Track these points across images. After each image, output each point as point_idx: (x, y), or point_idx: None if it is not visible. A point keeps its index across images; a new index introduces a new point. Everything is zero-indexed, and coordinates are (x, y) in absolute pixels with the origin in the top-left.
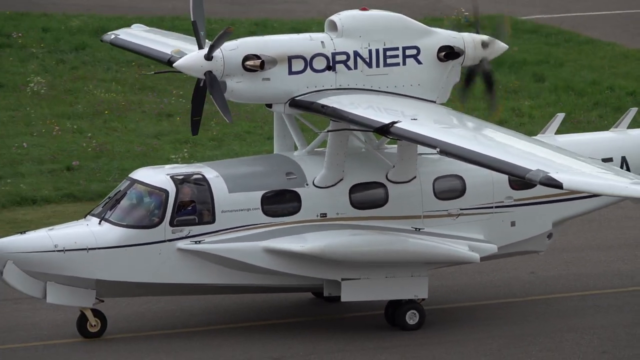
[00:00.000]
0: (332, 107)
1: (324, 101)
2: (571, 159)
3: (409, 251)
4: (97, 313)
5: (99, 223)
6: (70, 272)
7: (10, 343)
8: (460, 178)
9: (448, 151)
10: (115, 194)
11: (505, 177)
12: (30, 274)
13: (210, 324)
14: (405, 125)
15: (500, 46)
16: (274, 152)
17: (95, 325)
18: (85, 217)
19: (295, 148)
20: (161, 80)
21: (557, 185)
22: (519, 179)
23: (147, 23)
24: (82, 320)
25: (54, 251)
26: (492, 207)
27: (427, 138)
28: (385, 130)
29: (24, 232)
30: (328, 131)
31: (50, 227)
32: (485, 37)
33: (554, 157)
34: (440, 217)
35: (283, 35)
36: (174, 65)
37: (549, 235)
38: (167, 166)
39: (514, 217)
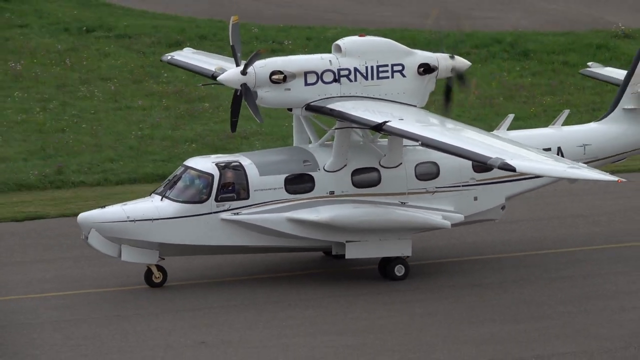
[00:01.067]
0: (338, 110)
1: (332, 106)
2: (520, 148)
3: (396, 220)
4: (159, 268)
5: (161, 199)
6: (139, 237)
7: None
8: (436, 164)
9: (428, 143)
10: (173, 177)
11: (470, 162)
12: (108, 238)
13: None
14: (394, 124)
15: (462, 62)
16: (294, 145)
17: (158, 277)
18: (150, 195)
19: (310, 142)
20: None
21: (511, 169)
22: (482, 164)
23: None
24: (149, 273)
25: (126, 221)
26: (459, 186)
27: (412, 134)
28: (379, 128)
29: (104, 206)
30: (336, 129)
31: (124, 203)
32: (450, 55)
33: (508, 147)
34: (421, 193)
35: (300, 55)
36: (217, 79)
37: (503, 207)
38: (213, 155)
39: (476, 194)
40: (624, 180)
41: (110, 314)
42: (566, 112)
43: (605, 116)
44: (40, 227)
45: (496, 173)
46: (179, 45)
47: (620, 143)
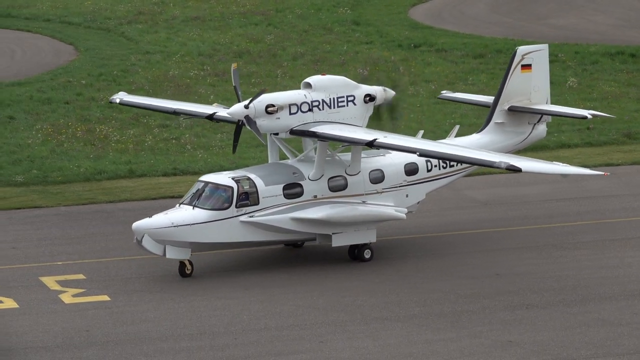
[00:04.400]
0: (326, 133)
1: (314, 129)
2: (495, 153)
3: (370, 214)
4: (190, 262)
5: (193, 209)
6: (180, 239)
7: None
8: (381, 170)
9: (426, 154)
10: (197, 191)
11: (403, 168)
12: (157, 241)
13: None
14: (383, 140)
15: (390, 93)
16: (269, 162)
17: (189, 269)
18: (179, 206)
19: (281, 158)
20: None
21: (517, 169)
22: (487, 167)
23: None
24: (182, 266)
25: (170, 227)
26: (397, 187)
27: (406, 147)
28: (370, 144)
29: (151, 216)
30: (343, 146)
31: (165, 212)
32: (383, 88)
33: (491, 153)
34: (373, 194)
35: (285, 92)
36: (227, 112)
37: (418, 202)
38: (224, 172)
39: (407, 192)
40: (608, 173)
41: None
42: (457, 127)
43: (483, 129)
44: None
45: (421, 175)
46: (482, 57)
47: (494, 148)
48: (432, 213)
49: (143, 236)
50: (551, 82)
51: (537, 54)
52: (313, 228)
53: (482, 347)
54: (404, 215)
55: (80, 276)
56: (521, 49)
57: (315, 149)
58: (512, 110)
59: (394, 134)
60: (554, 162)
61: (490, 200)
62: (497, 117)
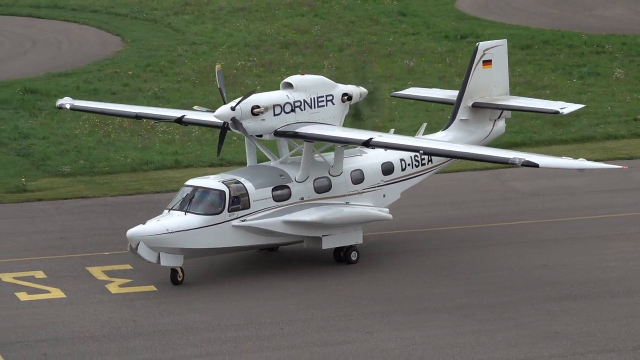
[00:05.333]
0: (317, 133)
1: (304, 131)
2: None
3: (359, 215)
4: (181, 269)
5: (185, 214)
6: (175, 245)
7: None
8: (361, 171)
9: (430, 152)
10: (186, 196)
11: (380, 167)
12: (151, 248)
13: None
14: (379, 139)
15: (364, 91)
16: (248, 165)
17: (181, 276)
18: (168, 212)
19: (259, 160)
20: None
21: (535, 165)
22: (504, 164)
23: None
24: (174, 274)
25: (165, 233)
26: (375, 187)
27: (407, 145)
28: (367, 144)
29: (145, 222)
30: (343, 146)
31: (157, 218)
32: (357, 87)
33: (502, 150)
34: (354, 194)
35: (269, 92)
36: (213, 115)
37: (395, 201)
38: (211, 176)
39: (384, 192)
40: (626, 167)
41: None
42: (424, 124)
43: (448, 126)
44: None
45: (396, 174)
46: (529, 48)
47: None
48: (477, 204)
49: (138, 244)
50: (597, 74)
51: (497, 50)
52: (304, 231)
53: (528, 338)
54: (390, 216)
55: (127, 266)
56: (482, 45)
57: (290, 150)
58: (476, 106)
59: (386, 133)
60: (563, 156)
61: (535, 191)
62: (462, 114)
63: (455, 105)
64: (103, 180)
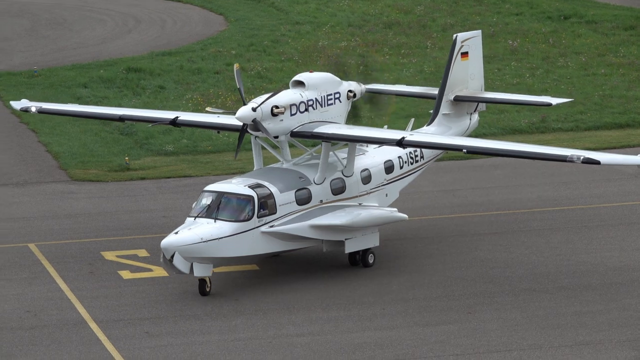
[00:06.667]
0: (349, 135)
1: (321, 131)
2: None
3: (379, 217)
4: (209, 279)
5: (214, 221)
6: (207, 254)
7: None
8: (369, 170)
9: (475, 150)
10: (212, 202)
11: (383, 166)
12: (186, 258)
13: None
14: (411, 137)
15: (363, 87)
16: (255, 168)
17: (209, 287)
18: (194, 219)
19: (264, 163)
20: None
21: (596, 162)
22: (559, 161)
23: None
24: (203, 284)
25: (200, 242)
26: (380, 186)
27: (445, 144)
28: (400, 143)
29: (177, 232)
30: (376, 147)
31: (189, 227)
32: (357, 83)
33: (558, 148)
34: (364, 195)
35: (285, 92)
36: (235, 117)
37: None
38: (232, 180)
39: (387, 191)
40: None
41: None
42: (412, 120)
43: (432, 121)
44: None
45: (396, 173)
46: (633, 29)
47: None
48: (581, 185)
49: (174, 254)
50: None
51: (472, 41)
52: (330, 235)
53: (631, 320)
54: (405, 216)
55: None
56: (460, 36)
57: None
58: (458, 100)
59: (417, 131)
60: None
61: (638, 172)
62: (444, 108)
63: (437, 99)
64: (206, 159)
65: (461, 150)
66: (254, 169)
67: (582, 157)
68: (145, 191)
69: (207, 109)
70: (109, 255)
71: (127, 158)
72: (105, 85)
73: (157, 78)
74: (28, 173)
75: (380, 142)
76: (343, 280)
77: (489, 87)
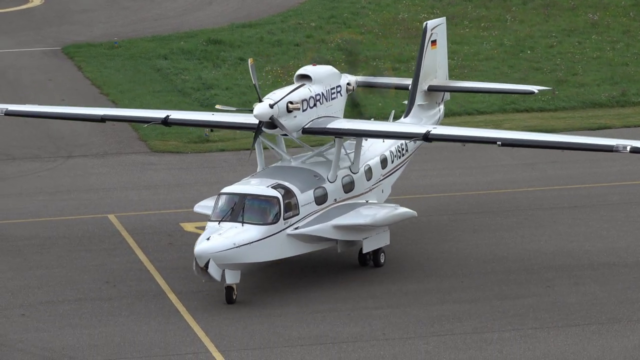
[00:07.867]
0: (373, 130)
1: (330, 127)
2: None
3: (394, 215)
4: (236, 286)
5: (242, 225)
6: (239, 260)
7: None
8: (370, 166)
9: (510, 143)
10: (235, 205)
11: (379, 161)
12: (219, 265)
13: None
14: (436, 131)
15: (354, 78)
16: (258, 167)
17: (236, 294)
18: (219, 223)
19: (261, 163)
20: None
21: None
22: (605, 151)
23: None
24: (230, 291)
25: (233, 248)
26: (378, 182)
27: (477, 137)
28: (427, 137)
29: (209, 238)
30: (410, 143)
31: (219, 232)
32: (352, 75)
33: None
34: (368, 192)
35: (298, 90)
36: (253, 115)
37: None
38: (251, 181)
39: (382, 187)
40: None
41: None
42: (392, 112)
43: (409, 112)
44: None
45: (389, 168)
46: None
47: None
48: None
49: (208, 262)
50: None
51: (439, 29)
52: (351, 235)
53: None
54: (415, 212)
55: None
56: (430, 24)
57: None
58: (432, 90)
59: (399, 121)
60: None
61: None
62: (419, 99)
63: (411, 90)
64: None
65: (495, 142)
66: (258, 168)
67: (629, 147)
68: (225, 163)
69: (217, 106)
70: (188, 227)
71: (206, 130)
72: (185, 56)
73: (237, 50)
74: (108, 144)
75: (405, 137)
76: (421, 253)
77: (568, 61)
